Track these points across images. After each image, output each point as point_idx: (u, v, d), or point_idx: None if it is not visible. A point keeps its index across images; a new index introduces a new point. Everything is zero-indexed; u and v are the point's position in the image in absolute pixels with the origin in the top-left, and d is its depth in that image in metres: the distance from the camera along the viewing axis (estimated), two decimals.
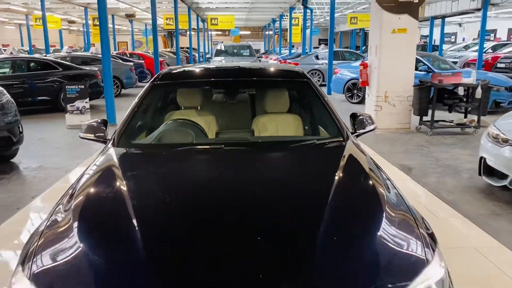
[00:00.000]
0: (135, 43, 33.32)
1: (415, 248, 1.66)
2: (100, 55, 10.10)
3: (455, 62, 14.16)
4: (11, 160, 5.80)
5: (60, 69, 10.14)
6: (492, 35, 29.02)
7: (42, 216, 3.95)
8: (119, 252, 1.62)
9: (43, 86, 9.84)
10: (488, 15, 17.73)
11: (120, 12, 26.24)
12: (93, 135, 2.83)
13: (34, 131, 7.63)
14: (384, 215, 1.79)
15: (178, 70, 3.55)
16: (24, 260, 1.64)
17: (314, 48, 26.98)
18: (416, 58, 8.50)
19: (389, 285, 1.49)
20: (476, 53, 14.97)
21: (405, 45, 7.53)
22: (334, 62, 13.86)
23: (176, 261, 1.56)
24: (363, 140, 5.32)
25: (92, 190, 2.09)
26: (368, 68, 8.03)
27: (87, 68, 11.20)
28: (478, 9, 16.18)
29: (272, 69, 3.78)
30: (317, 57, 16.42)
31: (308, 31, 23.17)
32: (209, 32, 38.47)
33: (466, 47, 21.65)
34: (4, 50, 20.66)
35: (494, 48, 18.34)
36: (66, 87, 8.32)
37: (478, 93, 7.19)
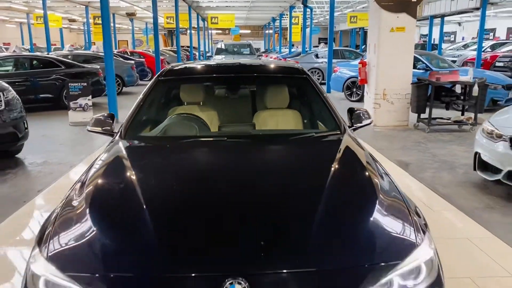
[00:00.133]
0: (135, 42, 33.41)
1: (407, 232, 1.78)
2: (102, 53, 10.18)
3: (454, 61, 14.27)
4: (16, 155, 5.91)
5: (63, 67, 10.24)
6: (491, 34, 29.12)
7: (49, 208, 4.05)
8: (131, 234, 1.74)
9: (45, 84, 9.93)
10: (487, 14, 17.86)
11: (120, 11, 26.34)
12: (100, 129, 2.93)
13: (38, 127, 7.74)
14: (378, 201, 1.91)
15: (181, 67, 3.66)
16: (41, 241, 1.75)
17: (314, 47, 27.03)
18: (415, 57, 8.61)
19: (382, 264, 1.61)
20: (475, 52, 15.09)
21: (403, 43, 7.63)
22: (334, 60, 13.94)
23: (185, 242, 1.68)
24: (361, 137, 5.43)
25: (103, 178, 2.20)
26: (366, 66, 8.13)
27: (89, 66, 11.31)
28: (477, 8, 16.27)
29: (272, 65, 3.89)
30: (317, 56, 16.53)
31: (308, 30, 23.25)
32: (209, 31, 38.54)
33: (465, 46, 21.79)
34: (6, 48, 20.74)
35: (493, 47, 18.48)
36: (69, 84, 8.44)
37: (475, 91, 7.28)
